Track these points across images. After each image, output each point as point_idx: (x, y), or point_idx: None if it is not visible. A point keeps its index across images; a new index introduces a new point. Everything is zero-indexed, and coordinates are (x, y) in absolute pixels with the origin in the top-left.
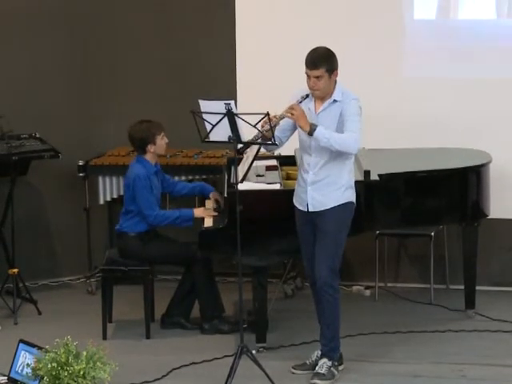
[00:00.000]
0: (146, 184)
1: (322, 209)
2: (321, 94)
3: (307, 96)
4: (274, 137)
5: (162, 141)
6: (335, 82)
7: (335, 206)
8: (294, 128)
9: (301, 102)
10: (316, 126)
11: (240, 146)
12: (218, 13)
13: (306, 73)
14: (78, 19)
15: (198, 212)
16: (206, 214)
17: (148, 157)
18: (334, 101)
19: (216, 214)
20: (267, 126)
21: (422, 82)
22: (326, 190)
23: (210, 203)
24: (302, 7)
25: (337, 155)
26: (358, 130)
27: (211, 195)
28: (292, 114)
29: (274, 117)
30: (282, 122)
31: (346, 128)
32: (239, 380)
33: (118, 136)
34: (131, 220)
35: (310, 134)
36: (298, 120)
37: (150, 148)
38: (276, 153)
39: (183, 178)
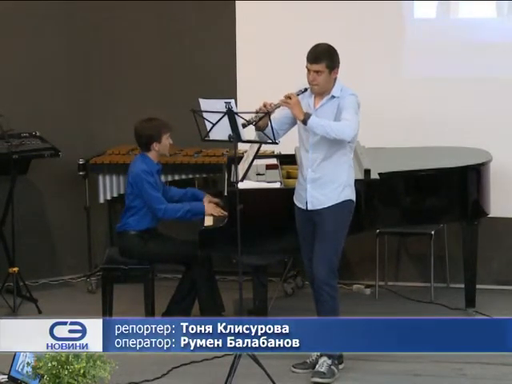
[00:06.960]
0: (151, 180)
1: (321, 207)
2: (319, 89)
3: (306, 90)
4: (272, 130)
5: (167, 140)
6: (335, 79)
7: (333, 205)
8: (293, 122)
9: (298, 95)
10: (310, 114)
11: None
12: (219, 13)
13: (307, 67)
14: (78, 18)
15: (208, 207)
16: (217, 212)
17: (151, 155)
18: (333, 97)
19: (226, 213)
20: (261, 114)
21: (422, 80)
22: (324, 188)
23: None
24: (302, 7)
25: (334, 151)
26: (354, 120)
27: (205, 200)
28: (288, 103)
29: (270, 105)
30: (280, 115)
31: (342, 118)
32: (239, 379)
33: (118, 134)
34: (134, 216)
35: (304, 122)
36: (293, 108)
37: (155, 146)
38: (276, 151)
39: (183, 176)
